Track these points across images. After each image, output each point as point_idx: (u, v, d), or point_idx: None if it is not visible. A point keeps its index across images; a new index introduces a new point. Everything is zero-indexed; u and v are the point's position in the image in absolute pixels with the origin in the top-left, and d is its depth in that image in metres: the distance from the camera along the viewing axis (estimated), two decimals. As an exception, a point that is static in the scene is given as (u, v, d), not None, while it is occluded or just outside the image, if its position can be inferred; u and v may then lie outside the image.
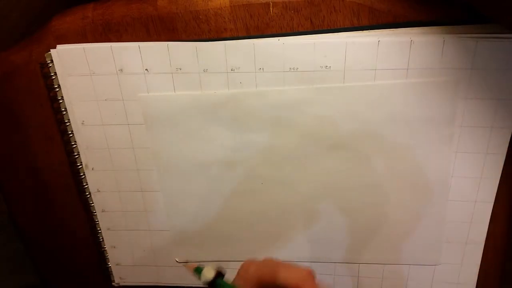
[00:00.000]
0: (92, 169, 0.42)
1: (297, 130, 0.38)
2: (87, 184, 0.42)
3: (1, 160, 0.43)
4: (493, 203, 0.39)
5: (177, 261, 0.45)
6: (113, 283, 0.48)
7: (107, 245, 0.45)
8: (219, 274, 0.31)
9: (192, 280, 0.46)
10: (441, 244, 0.41)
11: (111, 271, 0.47)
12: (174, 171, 0.41)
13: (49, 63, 0.38)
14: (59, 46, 0.37)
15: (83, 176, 0.42)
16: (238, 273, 0.30)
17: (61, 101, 0.39)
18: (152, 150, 0.40)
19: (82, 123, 0.40)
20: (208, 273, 0.30)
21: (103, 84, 0.38)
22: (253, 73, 0.36)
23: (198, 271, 0.31)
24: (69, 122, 0.40)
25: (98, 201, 0.43)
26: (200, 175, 0.41)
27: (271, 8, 0.35)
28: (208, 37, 0.36)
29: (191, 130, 0.39)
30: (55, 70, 0.38)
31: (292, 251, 0.43)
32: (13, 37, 0.38)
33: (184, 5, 0.35)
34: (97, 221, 0.44)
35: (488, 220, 0.39)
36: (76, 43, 0.37)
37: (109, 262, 0.46)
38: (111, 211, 0.44)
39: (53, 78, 0.38)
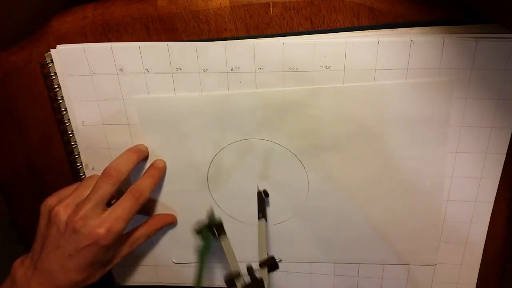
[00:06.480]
0: (92, 169, 0.42)
1: (296, 130, 0.38)
2: (87, 184, 0.42)
3: (1, 160, 0.43)
4: (493, 203, 0.39)
5: (174, 262, 0.45)
6: (113, 283, 0.48)
7: (107, 245, 0.45)
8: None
9: (192, 280, 0.46)
10: (438, 244, 0.41)
11: (111, 271, 0.47)
12: (173, 172, 0.41)
13: (49, 63, 0.38)
14: (59, 46, 0.37)
15: (83, 176, 0.42)
16: None
17: (61, 101, 0.39)
18: (150, 151, 0.40)
19: (82, 123, 0.40)
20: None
21: (103, 84, 0.38)
22: (253, 73, 0.36)
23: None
24: (69, 122, 0.40)
25: (98, 201, 0.43)
26: (199, 175, 0.41)
27: (271, 8, 0.35)
28: (208, 37, 0.36)
29: (190, 131, 0.39)
30: (55, 70, 0.38)
31: (291, 251, 0.43)
32: (13, 37, 0.38)
33: (184, 5, 0.35)
34: (97, 221, 0.44)
35: (488, 220, 0.39)
36: (76, 43, 0.37)
37: (109, 262, 0.46)
38: (111, 211, 0.43)
39: (53, 78, 0.38)
